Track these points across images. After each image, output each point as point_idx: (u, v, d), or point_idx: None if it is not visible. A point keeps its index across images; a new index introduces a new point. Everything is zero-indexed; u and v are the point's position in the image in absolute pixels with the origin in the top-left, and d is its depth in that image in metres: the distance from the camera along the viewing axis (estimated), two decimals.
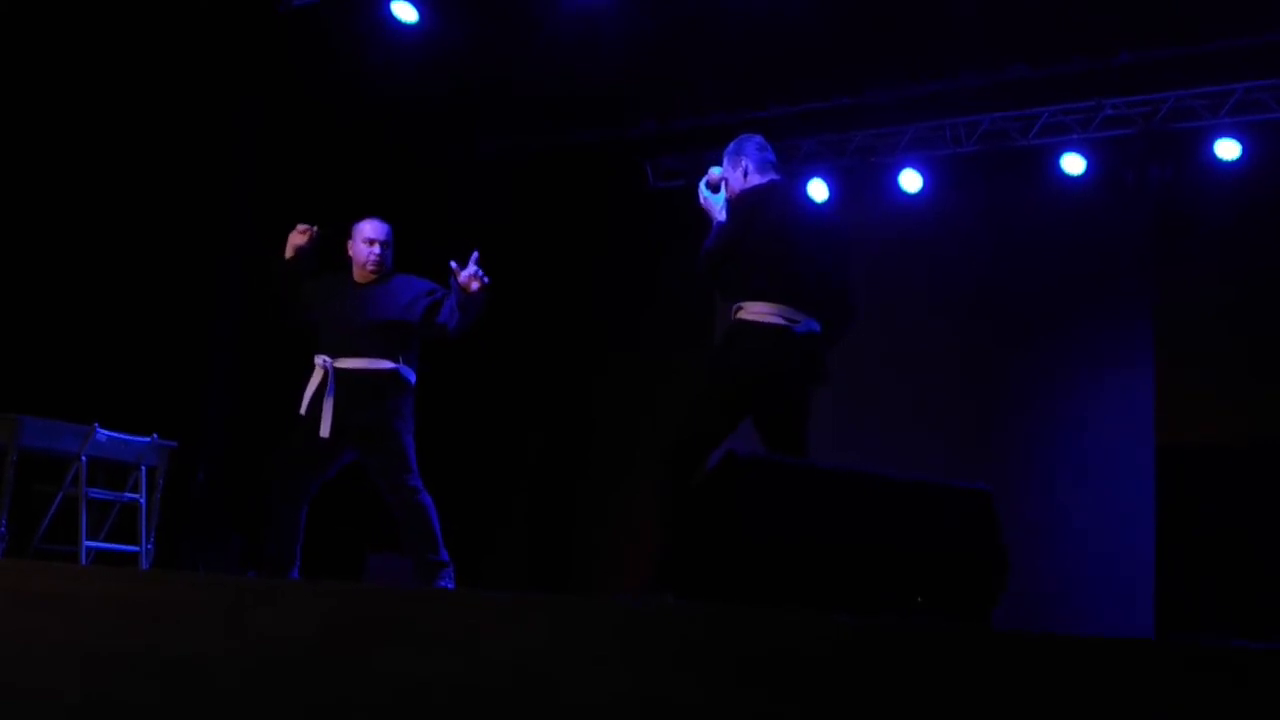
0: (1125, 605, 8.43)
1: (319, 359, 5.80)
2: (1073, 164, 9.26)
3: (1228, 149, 8.78)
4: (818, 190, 9.84)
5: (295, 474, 5.75)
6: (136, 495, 7.06)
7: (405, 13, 8.23)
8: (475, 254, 5.71)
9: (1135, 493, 8.60)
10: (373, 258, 5.94)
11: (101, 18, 7.52)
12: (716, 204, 5.24)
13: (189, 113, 8.03)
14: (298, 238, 5.97)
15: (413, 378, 5.87)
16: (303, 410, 5.75)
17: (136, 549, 7.02)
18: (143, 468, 7.09)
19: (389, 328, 5.81)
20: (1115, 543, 8.60)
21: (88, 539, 6.75)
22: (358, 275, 5.99)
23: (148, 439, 7.05)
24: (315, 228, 5.98)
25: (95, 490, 6.84)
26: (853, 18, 8.30)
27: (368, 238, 5.96)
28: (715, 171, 5.33)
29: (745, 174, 5.27)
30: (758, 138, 5.38)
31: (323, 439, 5.66)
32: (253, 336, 8.17)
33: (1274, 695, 1.95)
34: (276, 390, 6.43)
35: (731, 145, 5.37)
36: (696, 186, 5.40)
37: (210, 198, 8.23)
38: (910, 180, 9.78)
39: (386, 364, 5.77)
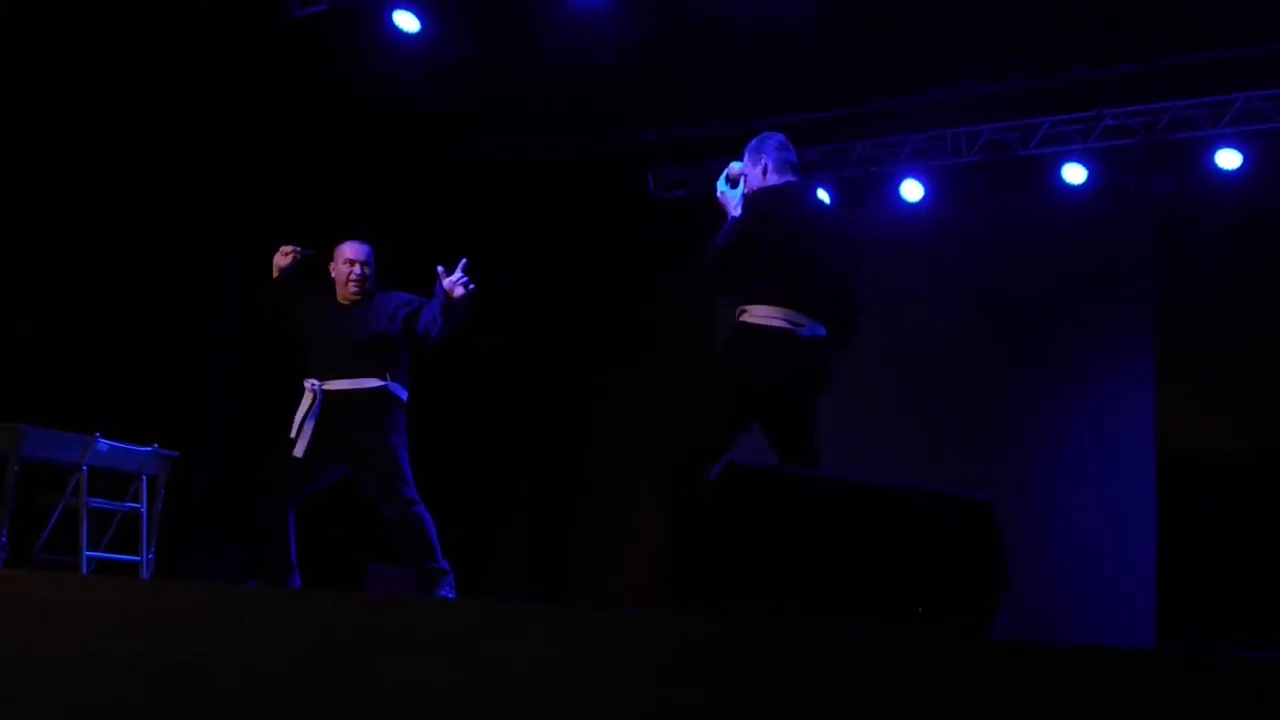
0: (1126, 609, 8.43)
1: (308, 382, 5.84)
2: (1074, 174, 9.28)
3: (1229, 159, 8.80)
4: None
5: (280, 489, 5.78)
6: (137, 505, 7.06)
7: (407, 22, 8.24)
8: (464, 261, 5.73)
9: (1136, 497, 8.61)
10: (354, 276, 5.98)
11: (103, 23, 7.52)
12: (733, 199, 5.23)
13: (190, 119, 8.03)
14: (281, 259, 6.05)
15: (403, 394, 5.88)
16: (293, 434, 5.77)
17: (137, 559, 7.01)
18: (144, 477, 7.09)
19: (373, 344, 5.84)
20: (1116, 547, 8.61)
21: (89, 549, 6.74)
22: (341, 296, 6.04)
23: (149, 449, 7.05)
24: (298, 249, 6.05)
25: (96, 500, 6.84)
26: (854, 28, 8.31)
27: (348, 258, 6.02)
28: (736, 166, 5.32)
29: (765, 172, 5.26)
30: (780, 136, 5.37)
31: (303, 460, 5.69)
32: (253, 342, 8.16)
33: (1275, 705, 1.94)
34: (277, 396, 6.43)
35: (754, 141, 5.36)
36: (699, 195, 5.40)
37: (210, 203, 8.23)
38: (912, 190, 9.81)
39: (374, 382, 5.80)
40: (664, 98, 9.55)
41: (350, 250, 6.03)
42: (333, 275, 6.07)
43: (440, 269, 5.72)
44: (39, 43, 7.37)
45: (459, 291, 5.70)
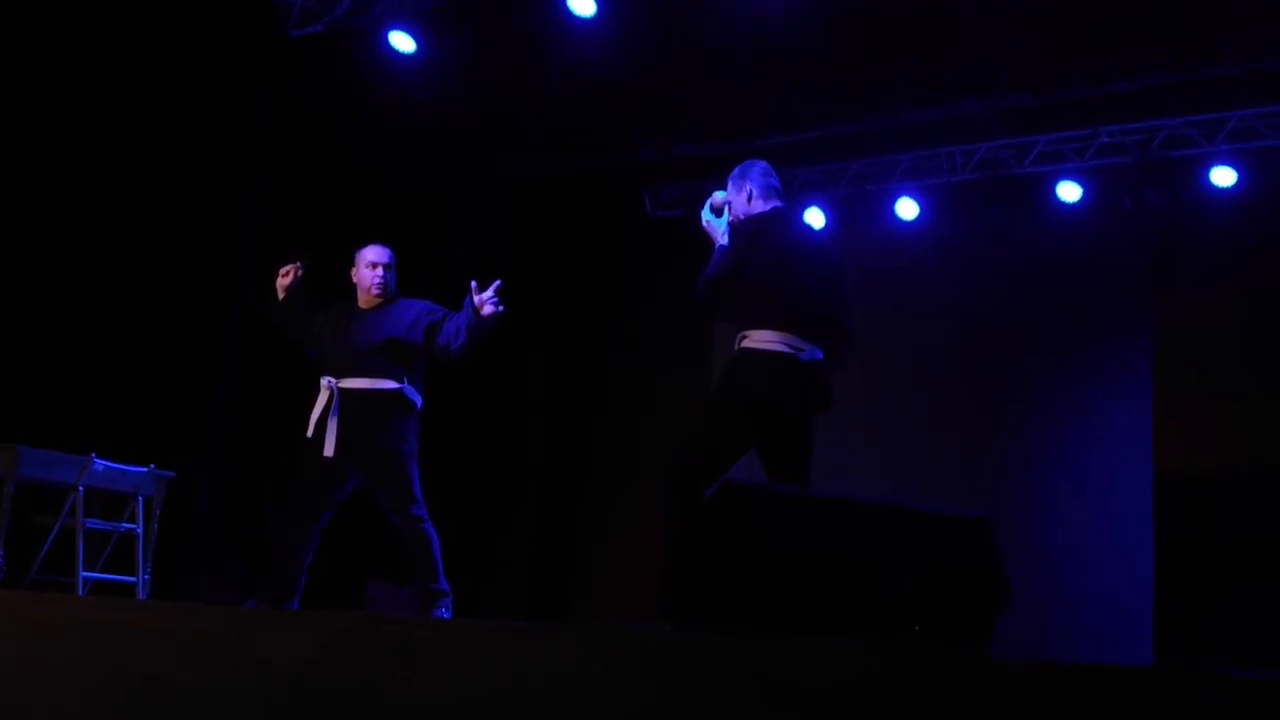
0: (1124, 627, 8.43)
1: (324, 380, 5.85)
2: (1069, 191, 9.31)
3: (1223, 176, 8.82)
4: (815, 218, 9.88)
5: (303, 499, 5.76)
6: (134, 525, 7.04)
7: (402, 43, 8.26)
8: (498, 282, 5.76)
9: (1134, 515, 8.62)
10: (376, 280, 6.01)
11: (103, 41, 7.53)
12: (719, 227, 5.23)
13: (192, 138, 8.03)
14: (282, 280, 6.09)
15: (418, 400, 5.90)
16: (309, 433, 5.78)
17: (134, 580, 6.99)
18: (140, 498, 7.07)
19: (392, 348, 5.86)
20: (1114, 564, 8.62)
21: (85, 570, 6.73)
22: (362, 300, 6.07)
23: (145, 469, 7.03)
24: (297, 263, 6.08)
25: (92, 521, 6.81)
26: (848, 47, 8.34)
27: (371, 261, 6.05)
28: (719, 195, 5.32)
29: (749, 199, 5.27)
30: (763, 163, 5.38)
31: (328, 458, 5.68)
32: (256, 361, 8.16)
33: None
34: (279, 416, 6.45)
35: (737, 169, 5.36)
36: (695, 214, 5.39)
37: (212, 222, 8.22)
38: (907, 208, 9.83)
39: (390, 384, 5.82)
40: (660, 117, 9.57)
41: (372, 254, 6.07)
42: (355, 280, 6.11)
43: (474, 284, 5.74)
44: (40, 58, 7.38)
45: (488, 310, 5.73)
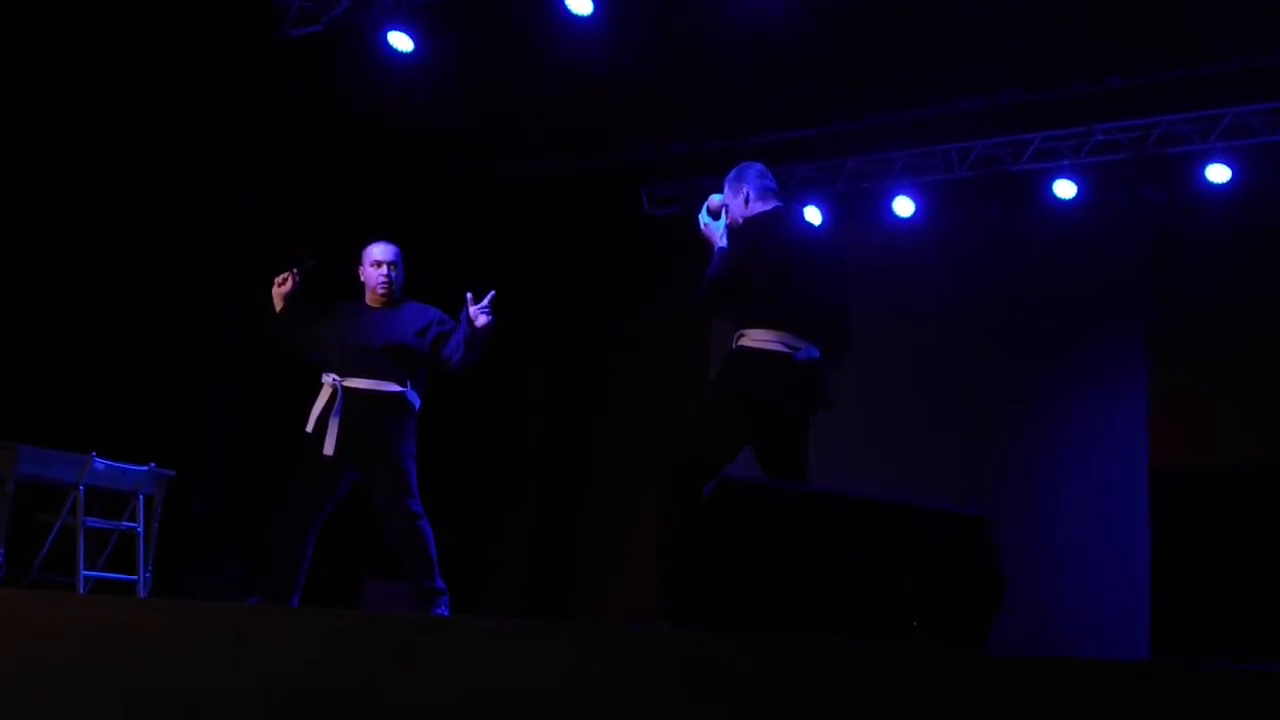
0: (1121, 626, 8.44)
1: (327, 377, 5.86)
2: (1065, 189, 9.32)
3: (1218, 173, 8.83)
4: (811, 216, 9.89)
5: (304, 497, 5.77)
6: (134, 524, 7.05)
7: (401, 42, 8.27)
8: (492, 293, 5.77)
9: (1130, 514, 8.63)
10: (381, 278, 6.02)
11: (100, 40, 7.54)
12: (717, 230, 5.24)
13: (192, 138, 8.04)
14: (279, 289, 6.05)
15: (418, 403, 5.92)
16: (309, 428, 5.80)
17: (134, 578, 7.00)
18: (140, 496, 7.09)
19: (399, 351, 5.88)
20: (1110, 563, 8.63)
21: (85, 568, 6.74)
22: (369, 299, 6.08)
23: (145, 468, 7.05)
24: (293, 270, 6.04)
25: (93, 519, 6.83)
26: (844, 45, 8.35)
27: (376, 260, 6.06)
28: (716, 198, 5.32)
29: (746, 201, 5.27)
30: (758, 165, 5.38)
31: (327, 456, 5.69)
32: (256, 361, 8.16)
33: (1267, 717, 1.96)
34: (279, 416, 6.45)
35: (733, 172, 5.37)
36: (692, 213, 5.40)
37: (212, 221, 8.22)
38: (903, 206, 9.84)
39: (393, 386, 5.83)
40: (658, 115, 9.58)
41: (378, 251, 6.07)
42: (361, 278, 6.11)
43: (469, 295, 5.76)
44: (39, 58, 7.39)
45: (480, 320, 5.74)
